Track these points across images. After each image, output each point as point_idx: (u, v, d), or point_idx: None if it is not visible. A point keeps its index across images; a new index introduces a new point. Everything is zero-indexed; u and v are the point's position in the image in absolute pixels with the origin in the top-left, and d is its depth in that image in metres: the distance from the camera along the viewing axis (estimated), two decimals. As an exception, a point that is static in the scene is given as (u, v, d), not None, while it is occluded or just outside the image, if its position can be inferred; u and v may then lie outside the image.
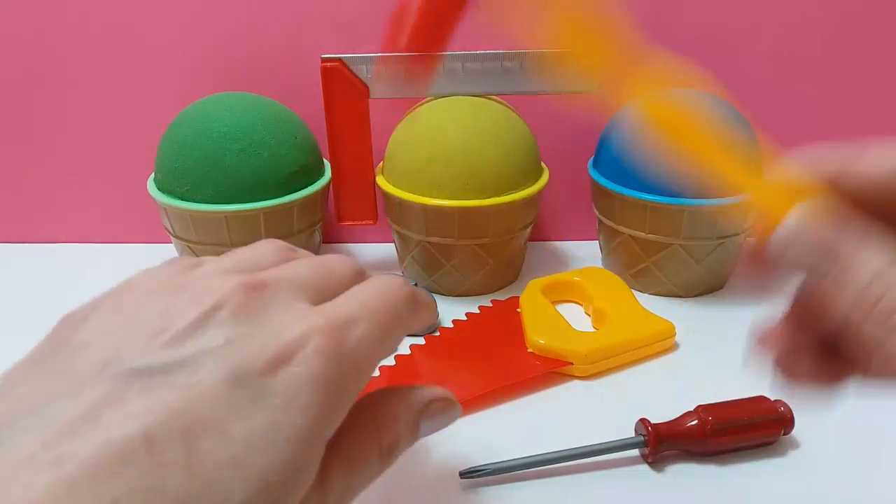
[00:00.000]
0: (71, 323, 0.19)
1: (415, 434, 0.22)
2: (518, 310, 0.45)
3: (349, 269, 0.22)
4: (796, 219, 0.18)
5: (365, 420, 0.21)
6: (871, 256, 0.17)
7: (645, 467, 0.34)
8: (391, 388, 0.23)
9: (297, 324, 0.18)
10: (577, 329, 0.43)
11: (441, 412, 0.22)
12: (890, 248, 0.17)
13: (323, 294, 0.20)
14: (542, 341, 0.41)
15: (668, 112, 0.22)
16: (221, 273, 0.20)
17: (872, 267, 0.16)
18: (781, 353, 0.20)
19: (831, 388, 0.19)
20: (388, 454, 0.21)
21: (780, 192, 0.19)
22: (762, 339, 0.20)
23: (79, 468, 0.14)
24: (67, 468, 0.14)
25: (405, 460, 0.35)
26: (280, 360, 0.17)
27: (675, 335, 0.43)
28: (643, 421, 0.34)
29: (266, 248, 0.22)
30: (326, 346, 0.18)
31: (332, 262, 0.22)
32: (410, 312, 0.21)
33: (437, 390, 0.23)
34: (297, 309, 0.19)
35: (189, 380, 0.16)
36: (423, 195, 0.45)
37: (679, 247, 0.46)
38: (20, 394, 0.16)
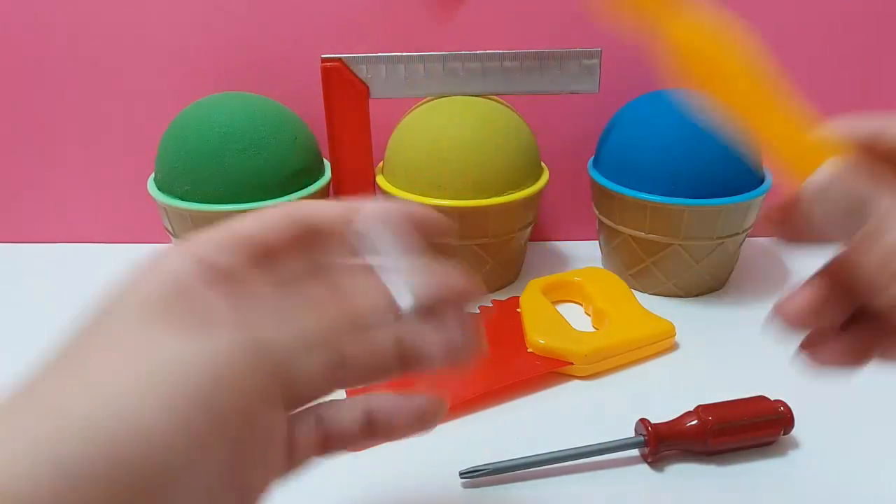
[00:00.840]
0: None
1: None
2: (518, 310, 0.45)
3: None
4: (830, 170, 0.17)
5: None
6: None
7: (645, 467, 0.34)
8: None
9: None
10: (578, 329, 0.43)
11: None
12: None
13: None
14: (542, 341, 0.41)
15: (704, 44, 0.21)
16: None
17: None
18: (806, 331, 0.19)
19: (855, 367, 0.18)
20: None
21: (815, 147, 0.18)
22: (784, 308, 0.20)
23: None
24: None
25: (405, 460, 0.35)
26: None
27: (675, 335, 0.43)
28: (643, 421, 0.34)
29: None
30: None
31: None
32: None
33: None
34: None
35: None
36: (423, 195, 0.45)
37: (679, 247, 0.46)
38: None
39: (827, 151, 0.18)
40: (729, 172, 0.45)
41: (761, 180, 0.47)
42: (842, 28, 0.51)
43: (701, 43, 0.20)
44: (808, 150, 0.18)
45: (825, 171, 0.17)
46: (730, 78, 0.20)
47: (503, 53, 0.46)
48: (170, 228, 0.47)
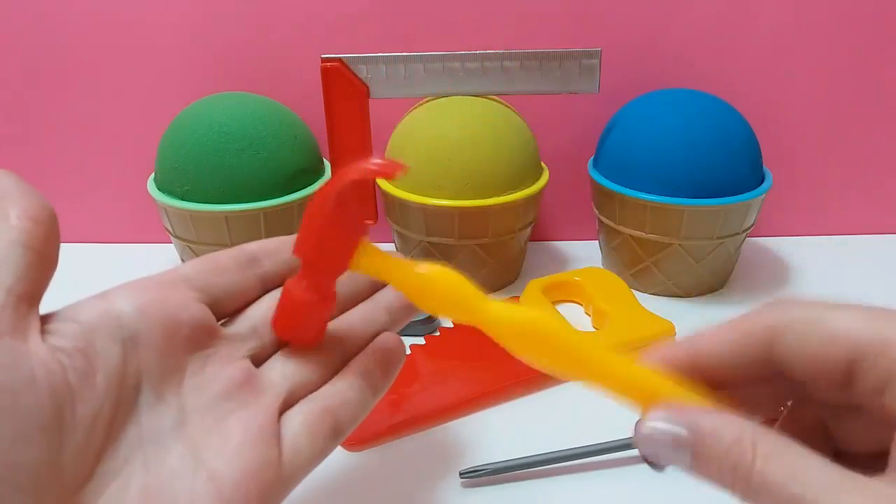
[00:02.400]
0: None
1: None
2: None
3: None
4: (647, 423, 0.19)
5: None
6: (725, 428, 0.18)
7: (645, 467, 0.34)
8: None
9: None
10: (578, 329, 0.43)
11: None
12: (736, 416, 0.19)
13: None
14: (542, 341, 0.40)
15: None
16: None
17: (726, 437, 0.18)
18: None
19: None
20: None
21: (644, 381, 0.20)
22: None
23: None
24: None
25: (406, 459, 0.35)
26: None
27: (674, 335, 0.43)
28: (643, 421, 0.34)
29: None
30: None
31: None
32: None
33: None
34: None
35: None
36: (424, 195, 0.45)
37: (679, 247, 0.46)
38: None
39: (656, 384, 0.20)
40: (729, 172, 0.45)
41: (761, 180, 0.47)
42: (842, 27, 0.51)
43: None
44: (639, 386, 0.20)
45: (641, 428, 0.20)
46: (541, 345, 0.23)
47: (503, 53, 0.46)
48: (170, 228, 0.47)
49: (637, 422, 0.20)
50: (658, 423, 0.19)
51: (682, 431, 0.19)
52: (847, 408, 0.19)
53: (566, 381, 0.40)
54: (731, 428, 0.18)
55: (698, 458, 0.19)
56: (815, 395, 0.20)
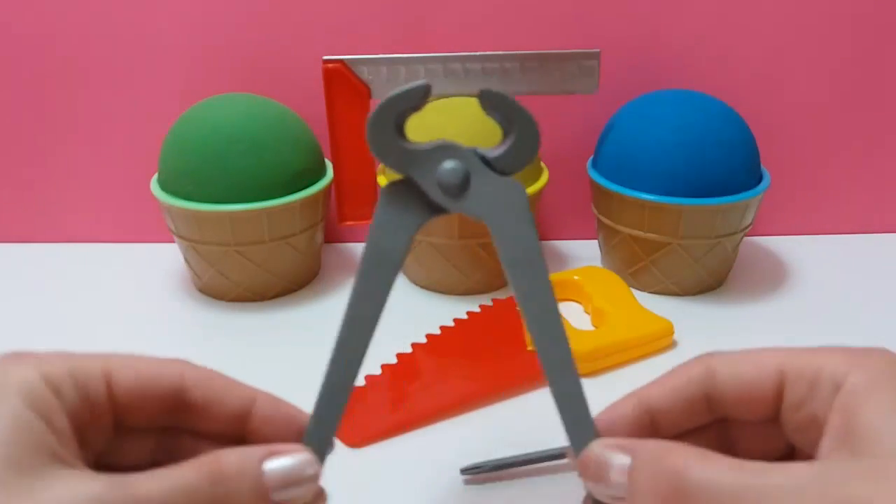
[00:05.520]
0: None
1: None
2: (518, 309, 0.45)
3: None
4: (592, 450, 0.22)
5: None
6: (658, 446, 0.21)
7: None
8: None
9: None
10: (577, 328, 0.43)
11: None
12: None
13: None
14: (541, 340, 0.41)
15: None
16: None
17: (660, 453, 0.20)
18: None
19: None
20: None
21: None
22: None
23: None
24: None
25: (406, 457, 0.35)
26: None
27: (673, 333, 0.43)
28: (642, 418, 0.34)
29: None
30: None
31: None
32: None
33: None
34: None
35: None
36: (424, 195, 0.45)
37: (677, 246, 0.46)
38: None
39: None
40: (726, 172, 0.45)
41: (759, 180, 0.47)
42: (842, 27, 0.52)
43: None
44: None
45: (593, 445, 0.22)
46: None
47: (503, 54, 0.46)
48: (173, 228, 0.47)
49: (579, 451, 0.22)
50: (599, 449, 0.22)
51: (624, 456, 0.21)
52: (763, 425, 0.22)
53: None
54: (663, 445, 0.20)
55: (635, 475, 0.20)
56: (746, 419, 0.22)
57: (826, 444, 0.19)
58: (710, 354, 0.23)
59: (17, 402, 0.18)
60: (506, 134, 0.23)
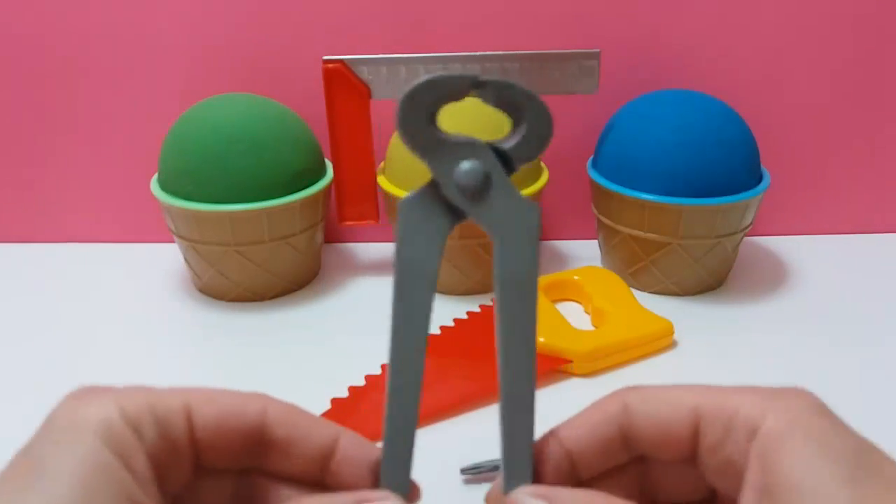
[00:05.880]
0: None
1: None
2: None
3: None
4: (515, 497, 0.21)
5: None
6: (578, 496, 0.20)
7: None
8: None
9: None
10: (577, 328, 0.43)
11: None
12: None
13: None
14: (541, 339, 0.41)
15: None
16: None
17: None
18: None
19: None
20: None
21: None
22: None
23: None
24: None
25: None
26: None
27: (673, 333, 0.43)
28: (642, 418, 0.34)
29: None
30: None
31: None
32: None
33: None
34: None
35: None
36: (424, 195, 0.45)
37: (677, 246, 0.46)
38: None
39: None
40: (726, 172, 0.45)
41: (759, 180, 0.47)
42: (842, 27, 0.52)
43: None
44: None
45: (517, 492, 0.21)
46: None
47: (503, 54, 0.46)
48: (173, 228, 0.47)
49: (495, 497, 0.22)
50: (523, 497, 0.21)
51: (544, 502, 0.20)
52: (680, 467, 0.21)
53: (567, 379, 0.41)
54: (583, 495, 0.20)
55: None
56: (664, 459, 0.21)
57: (748, 497, 0.18)
58: (627, 389, 0.22)
59: (96, 443, 0.17)
60: (516, 123, 0.22)
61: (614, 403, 0.21)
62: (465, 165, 0.21)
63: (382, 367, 0.40)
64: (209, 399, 0.20)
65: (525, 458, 0.21)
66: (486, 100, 0.21)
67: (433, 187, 0.21)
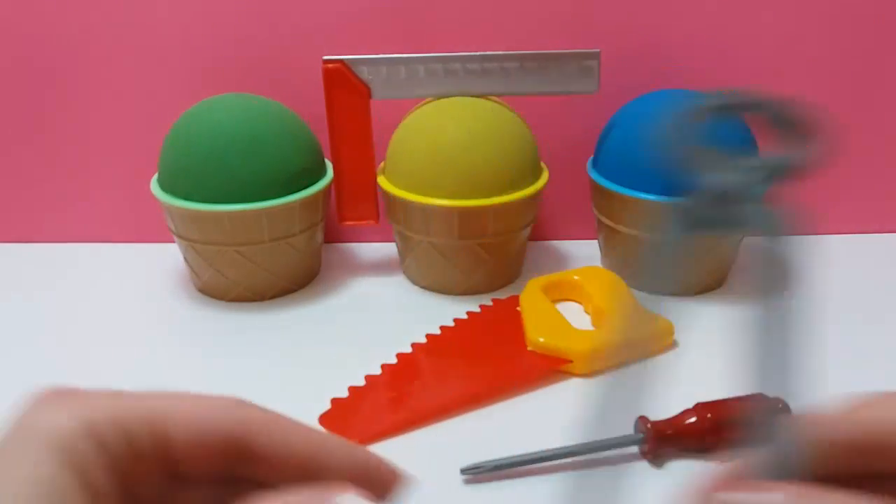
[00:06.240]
0: None
1: None
2: (518, 308, 0.45)
3: None
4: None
5: None
6: None
7: (644, 464, 0.34)
8: None
9: None
10: (577, 327, 0.43)
11: None
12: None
13: None
14: (542, 339, 0.41)
15: None
16: None
17: None
18: None
19: None
20: None
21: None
22: None
23: None
24: None
25: (406, 457, 0.35)
26: None
27: (673, 333, 0.43)
28: (642, 418, 0.34)
29: None
30: None
31: None
32: None
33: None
34: None
35: None
36: (424, 195, 0.45)
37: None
38: None
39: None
40: (727, 172, 0.45)
41: (759, 180, 0.47)
42: (841, 29, 0.52)
43: None
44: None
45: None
46: None
47: (503, 55, 0.46)
48: (172, 228, 0.47)
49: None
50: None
51: None
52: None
53: (567, 379, 0.41)
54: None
55: None
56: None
57: None
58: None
59: (46, 458, 0.16)
60: (794, 139, 0.21)
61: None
62: (731, 177, 0.21)
63: (382, 366, 0.40)
64: (183, 407, 0.19)
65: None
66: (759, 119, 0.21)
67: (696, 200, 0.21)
